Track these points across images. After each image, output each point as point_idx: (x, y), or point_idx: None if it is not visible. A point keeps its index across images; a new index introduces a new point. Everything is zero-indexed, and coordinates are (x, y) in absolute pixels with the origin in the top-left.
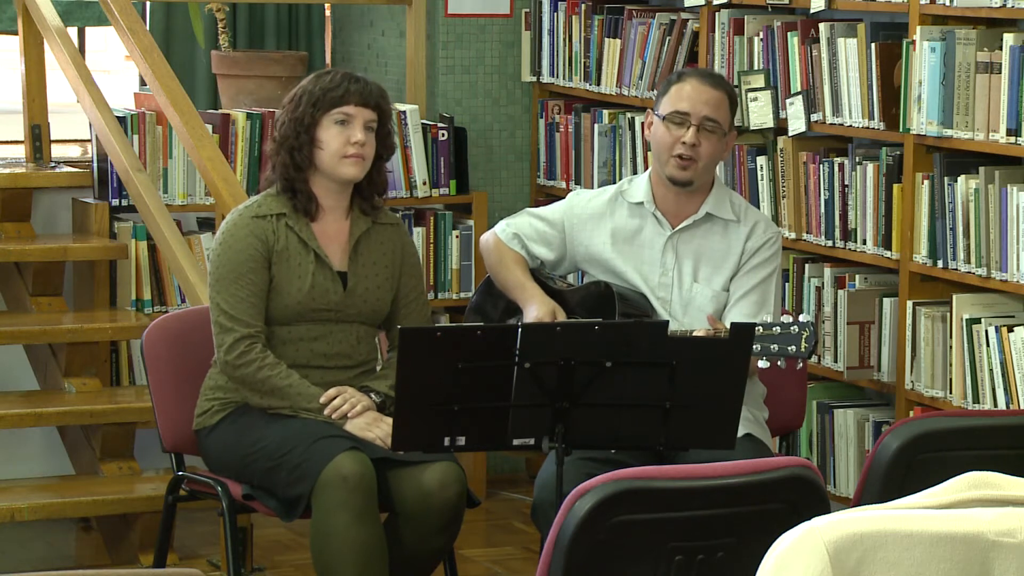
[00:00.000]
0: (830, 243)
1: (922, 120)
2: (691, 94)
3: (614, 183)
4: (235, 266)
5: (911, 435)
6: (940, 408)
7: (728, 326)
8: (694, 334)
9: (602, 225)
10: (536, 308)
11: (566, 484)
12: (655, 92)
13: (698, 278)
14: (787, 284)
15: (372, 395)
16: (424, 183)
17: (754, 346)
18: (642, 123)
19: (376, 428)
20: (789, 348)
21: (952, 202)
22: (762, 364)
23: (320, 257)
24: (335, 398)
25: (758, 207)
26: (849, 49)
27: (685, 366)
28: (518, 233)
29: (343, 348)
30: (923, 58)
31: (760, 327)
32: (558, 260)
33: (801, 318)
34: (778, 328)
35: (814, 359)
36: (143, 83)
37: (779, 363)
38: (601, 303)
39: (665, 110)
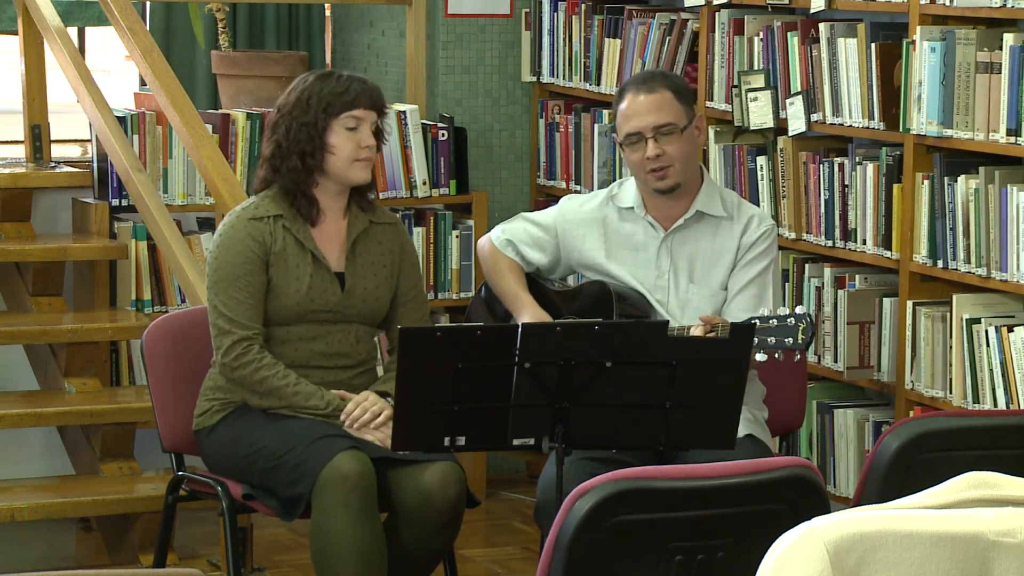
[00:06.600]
0: (830, 243)
1: (922, 120)
2: (631, 111)
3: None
4: (232, 268)
5: (911, 435)
6: (940, 408)
7: (723, 319)
8: (691, 333)
9: (594, 230)
10: (527, 320)
11: (569, 484)
12: None
13: (694, 279)
14: (787, 284)
15: (388, 399)
16: (424, 183)
17: None
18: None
19: (378, 430)
20: (786, 340)
21: (952, 202)
22: (760, 357)
23: (317, 258)
24: (353, 411)
25: (758, 207)
26: (849, 49)
27: (685, 366)
28: (511, 239)
29: (342, 348)
30: (923, 58)
31: (757, 320)
32: (552, 265)
33: (798, 309)
34: (775, 321)
35: (814, 359)
36: (143, 83)
37: (776, 355)
38: (599, 303)
39: (620, 137)
